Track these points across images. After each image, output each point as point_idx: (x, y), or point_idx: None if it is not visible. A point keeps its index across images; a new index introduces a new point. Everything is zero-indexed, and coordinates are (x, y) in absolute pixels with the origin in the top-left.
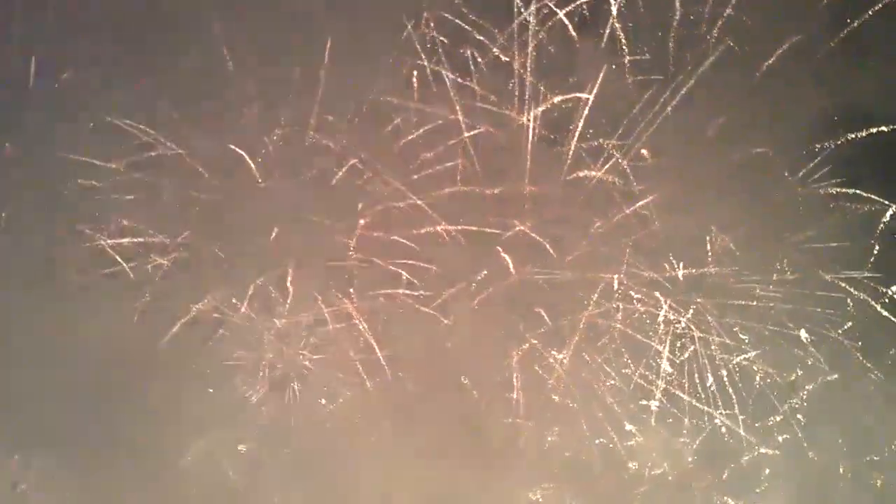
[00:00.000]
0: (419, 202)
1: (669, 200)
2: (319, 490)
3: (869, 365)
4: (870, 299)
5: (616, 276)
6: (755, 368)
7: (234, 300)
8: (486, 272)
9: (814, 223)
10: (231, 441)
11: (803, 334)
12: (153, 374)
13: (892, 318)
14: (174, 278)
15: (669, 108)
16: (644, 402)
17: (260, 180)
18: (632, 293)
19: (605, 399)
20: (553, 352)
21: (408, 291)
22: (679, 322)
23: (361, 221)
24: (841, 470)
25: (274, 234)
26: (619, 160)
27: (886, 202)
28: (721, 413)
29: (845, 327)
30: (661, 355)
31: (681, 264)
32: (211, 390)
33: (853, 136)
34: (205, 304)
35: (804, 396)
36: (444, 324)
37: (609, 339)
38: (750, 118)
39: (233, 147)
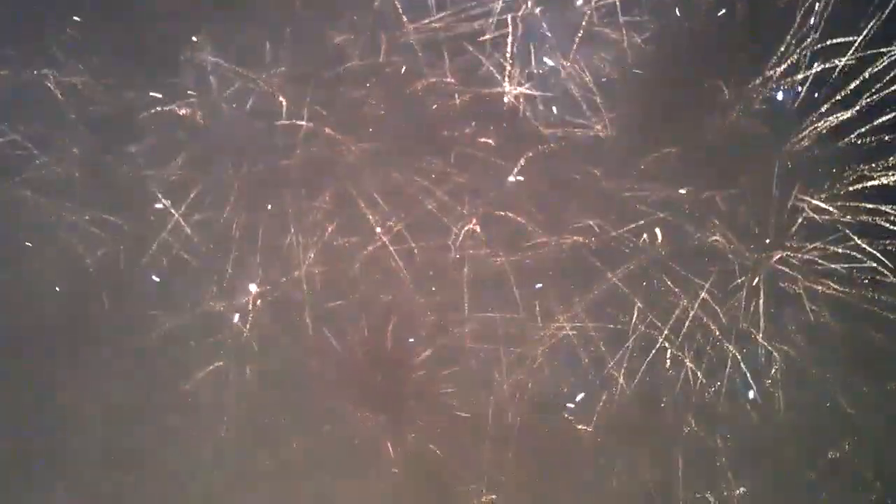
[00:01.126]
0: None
1: (656, 169)
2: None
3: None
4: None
5: (591, 242)
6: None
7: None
8: (461, 244)
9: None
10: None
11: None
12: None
13: None
14: (136, 249)
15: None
16: (621, 372)
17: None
18: (610, 263)
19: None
20: (534, 325)
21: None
22: (671, 297)
23: (327, 198)
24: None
25: (239, 210)
26: (599, 133)
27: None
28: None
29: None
30: (641, 326)
31: (659, 233)
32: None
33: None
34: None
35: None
36: (419, 301)
37: (591, 312)
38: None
39: (198, 116)
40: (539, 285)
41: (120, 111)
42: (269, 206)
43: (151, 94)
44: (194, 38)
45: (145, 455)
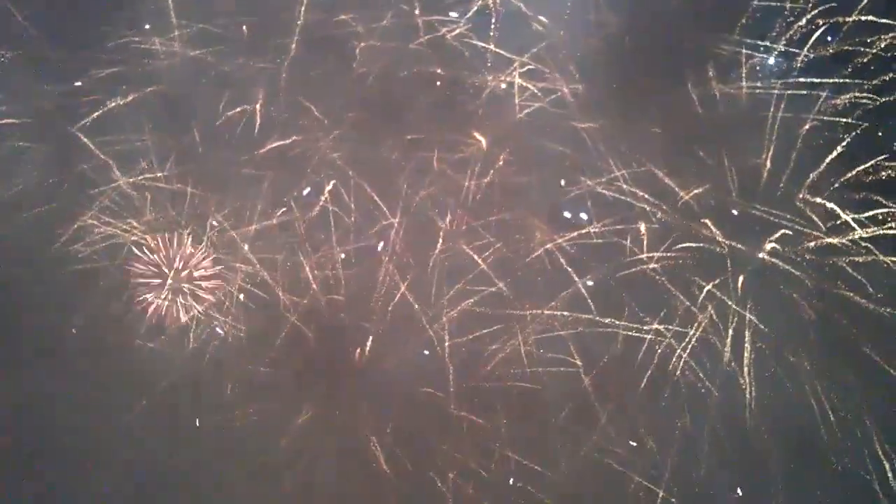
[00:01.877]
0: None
1: (644, 160)
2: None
3: None
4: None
5: (578, 234)
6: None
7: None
8: (445, 235)
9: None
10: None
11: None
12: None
13: None
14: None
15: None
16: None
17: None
18: (598, 256)
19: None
20: (521, 318)
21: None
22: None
23: (307, 189)
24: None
25: (217, 202)
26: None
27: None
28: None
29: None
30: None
31: (643, 226)
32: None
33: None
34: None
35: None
36: (402, 295)
37: (578, 305)
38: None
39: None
40: (526, 278)
41: (90, 100)
42: (248, 199)
43: (123, 85)
44: (147, 27)
45: (112, 457)
